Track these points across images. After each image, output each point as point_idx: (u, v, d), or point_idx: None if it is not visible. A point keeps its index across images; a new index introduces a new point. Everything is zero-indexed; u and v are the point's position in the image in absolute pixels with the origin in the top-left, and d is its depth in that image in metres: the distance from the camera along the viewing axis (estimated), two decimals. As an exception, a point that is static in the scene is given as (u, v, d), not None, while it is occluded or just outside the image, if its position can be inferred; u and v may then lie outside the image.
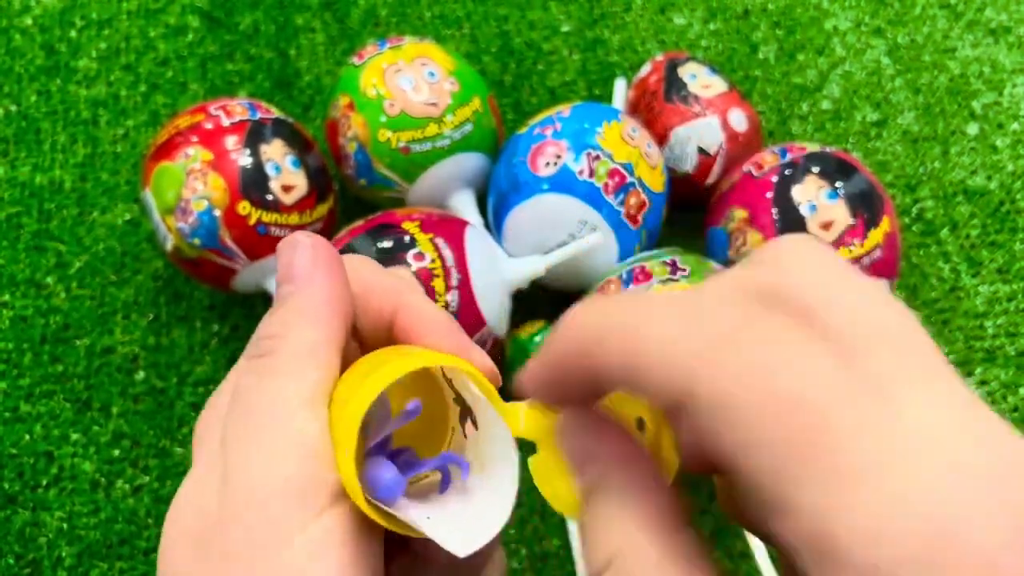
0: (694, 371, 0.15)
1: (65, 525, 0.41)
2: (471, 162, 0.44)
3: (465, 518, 0.19)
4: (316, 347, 0.19)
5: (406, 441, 0.21)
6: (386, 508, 0.18)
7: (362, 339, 0.22)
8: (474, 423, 0.20)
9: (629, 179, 0.41)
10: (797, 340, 0.15)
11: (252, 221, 0.40)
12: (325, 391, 0.19)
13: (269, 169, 0.41)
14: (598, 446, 0.18)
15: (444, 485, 0.20)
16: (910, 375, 0.15)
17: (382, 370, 0.18)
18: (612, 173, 0.40)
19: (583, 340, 0.17)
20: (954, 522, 0.13)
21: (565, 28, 0.55)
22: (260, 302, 0.46)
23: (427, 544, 0.19)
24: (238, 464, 0.18)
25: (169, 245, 0.41)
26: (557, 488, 0.19)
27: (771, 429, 0.14)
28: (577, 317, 0.17)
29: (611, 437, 0.18)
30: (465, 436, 0.20)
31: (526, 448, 0.19)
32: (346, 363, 0.20)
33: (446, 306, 0.37)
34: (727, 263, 0.41)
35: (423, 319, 0.21)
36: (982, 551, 0.12)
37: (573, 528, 0.41)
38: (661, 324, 0.15)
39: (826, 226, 0.39)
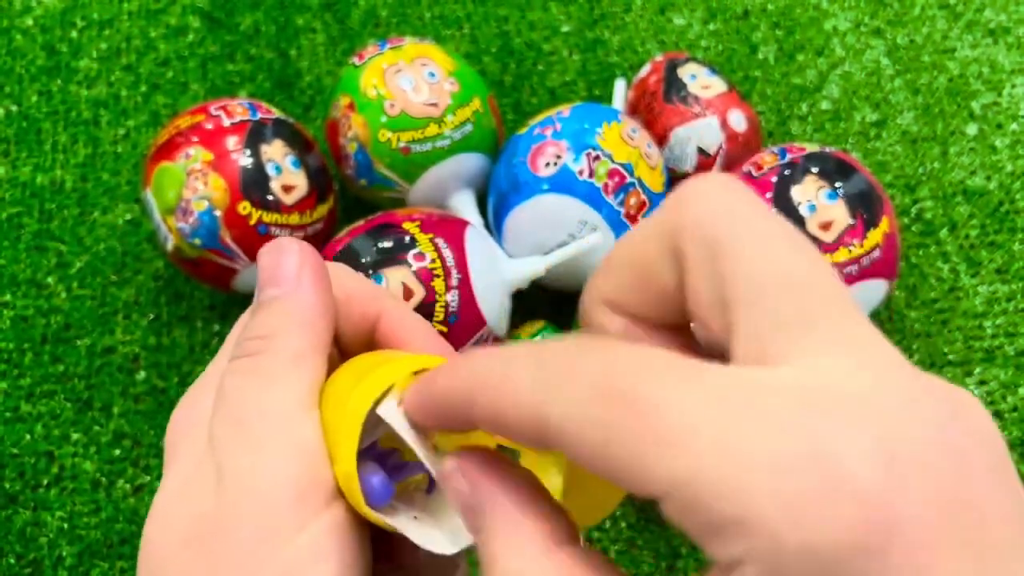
0: (540, 408, 0.15)
1: (66, 525, 0.41)
2: (471, 162, 0.44)
3: (451, 518, 0.19)
4: (307, 352, 0.20)
5: (388, 444, 0.21)
6: (374, 510, 0.18)
7: (342, 345, 0.22)
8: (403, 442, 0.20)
9: (629, 179, 0.41)
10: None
11: (253, 221, 0.40)
12: (316, 395, 0.20)
13: (270, 169, 0.41)
14: (480, 480, 0.18)
15: (431, 486, 0.20)
16: (806, 319, 0.15)
17: (379, 371, 0.19)
18: (612, 173, 0.40)
19: (456, 400, 0.17)
20: (829, 460, 0.13)
21: (565, 28, 0.55)
22: (260, 302, 0.46)
23: (411, 548, 0.19)
24: (235, 465, 0.18)
25: (170, 245, 0.41)
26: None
27: (601, 416, 0.14)
28: (451, 374, 0.17)
29: (493, 469, 0.18)
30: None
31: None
32: (328, 369, 0.20)
33: (446, 306, 0.37)
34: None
35: (405, 325, 0.22)
36: (861, 487, 0.13)
37: None
38: (515, 376, 0.16)
39: (825, 226, 0.39)
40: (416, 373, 0.19)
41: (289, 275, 0.21)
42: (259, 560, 0.17)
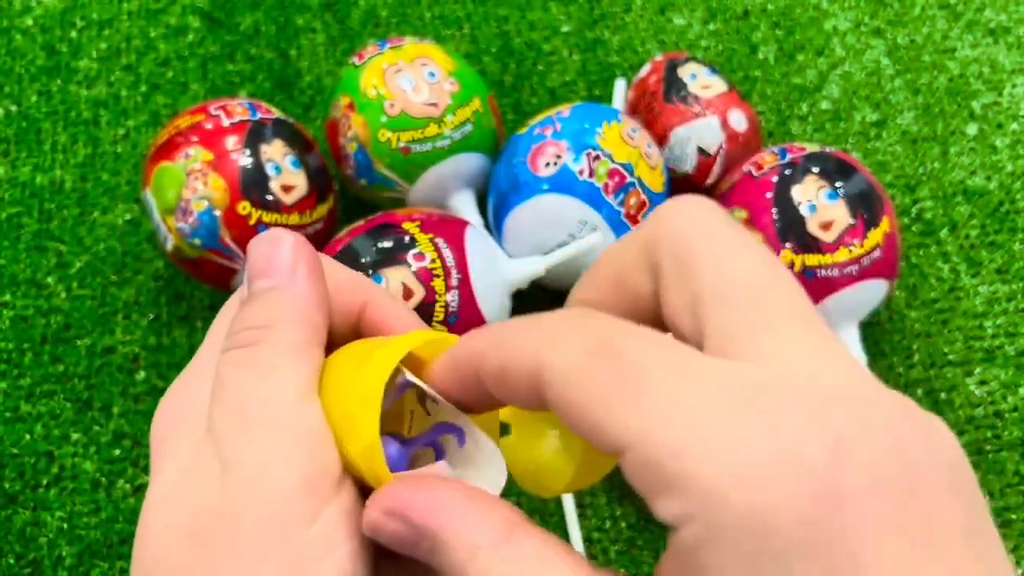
0: (537, 358, 0.17)
1: (66, 525, 0.41)
2: (471, 162, 0.44)
3: (481, 473, 0.20)
4: (304, 344, 0.20)
5: (390, 429, 0.21)
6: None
7: (330, 334, 0.22)
8: (434, 401, 0.20)
9: (629, 179, 0.41)
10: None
11: (252, 221, 0.40)
12: (315, 386, 0.20)
13: (269, 169, 0.41)
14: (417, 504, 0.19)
15: (439, 458, 0.20)
16: (768, 322, 0.16)
17: (391, 345, 0.19)
18: (612, 173, 0.40)
19: (471, 356, 0.19)
20: (781, 437, 0.14)
21: (565, 28, 0.55)
22: (260, 302, 0.46)
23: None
24: (240, 456, 0.18)
25: (169, 245, 0.41)
26: (537, 463, 0.20)
27: (591, 381, 0.16)
28: (470, 338, 0.19)
29: (427, 489, 0.18)
30: (428, 413, 0.21)
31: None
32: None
33: (446, 306, 0.37)
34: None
35: (391, 313, 0.23)
36: (810, 463, 0.14)
37: (569, 506, 0.41)
38: (519, 336, 0.18)
39: (826, 226, 0.39)
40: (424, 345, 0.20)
41: (283, 266, 0.21)
42: (270, 550, 0.17)
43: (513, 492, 0.42)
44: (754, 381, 0.15)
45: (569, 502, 0.41)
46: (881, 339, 0.46)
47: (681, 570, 0.15)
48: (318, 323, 0.21)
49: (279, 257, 0.21)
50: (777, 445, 0.14)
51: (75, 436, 0.43)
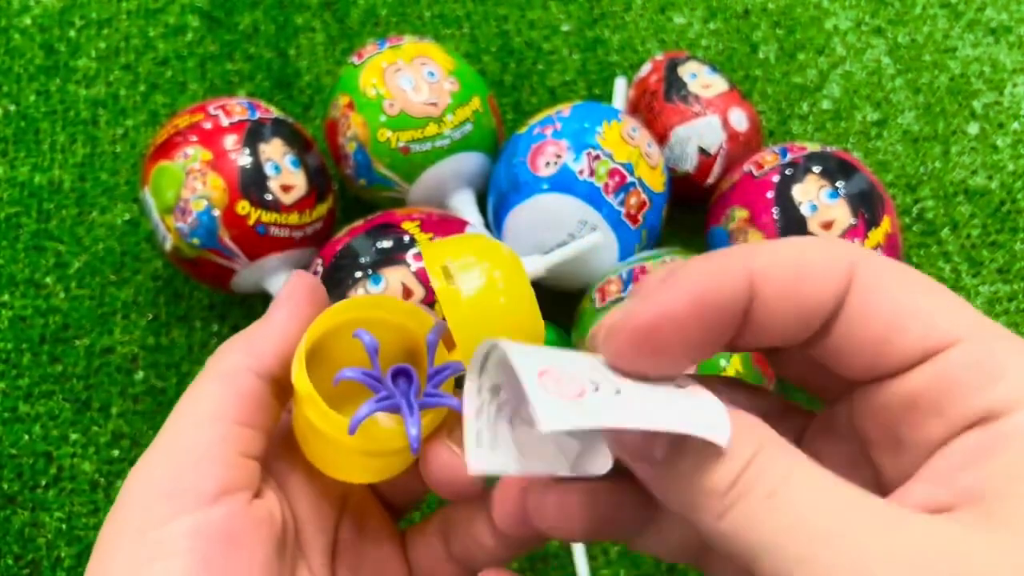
0: (853, 255, 0.16)
1: (64, 525, 0.41)
2: (471, 162, 0.44)
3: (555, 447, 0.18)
4: (235, 370, 0.22)
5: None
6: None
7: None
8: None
9: (629, 179, 0.40)
10: None
11: (251, 221, 0.40)
12: (232, 407, 0.21)
13: (268, 169, 0.40)
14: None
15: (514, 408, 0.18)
16: None
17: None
18: (612, 173, 0.40)
19: (743, 260, 0.16)
20: None
21: (565, 28, 0.55)
22: (260, 302, 0.46)
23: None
24: (139, 462, 0.21)
25: (168, 245, 0.41)
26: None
27: None
28: (699, 263, 0.16)
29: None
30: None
31: None
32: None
33: (446, 306, 0.37)
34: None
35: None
36: None
37: None
38: (796, 243, 0.16)
39: (827, 226, 0.39)
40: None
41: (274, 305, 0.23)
42: (119, 547, 0.19)
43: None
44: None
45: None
46: (882, 339, 0.46)
47: None
48: (262, 351, 0.22)
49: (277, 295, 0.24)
50: None
51: (74, 436, 0.43)
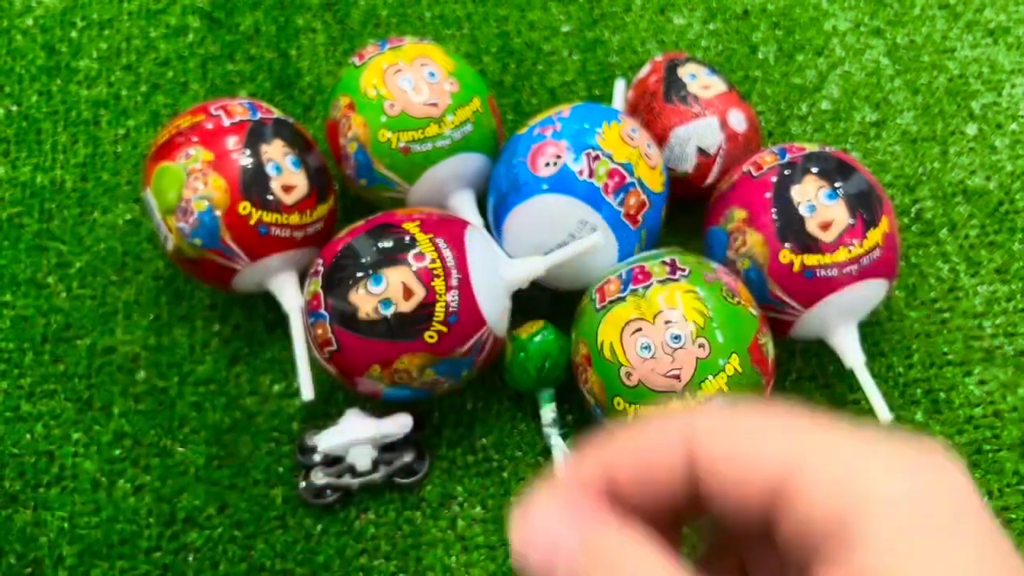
0: (794, 447, 0.15)
1: (66, 524, 0.41)
2: (471, 162, 0.44)
3: None
4: None
5: None
6: None
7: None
8: None
9: (629, 179, 0.41)
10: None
11: (253, 221, 0.40)
12: None
13: (270, 169, 0.41)
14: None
15: None
16: None
17: None
18: (612, 173, 0.40)
19: (681, 430, 0.16)
20: None
21: (565, 28, 0.56)
22: (260, 302, 0.46)
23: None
24: None
25: (170, 245, 0.41)
26: None
27: None
28: (662, 418, 0.17)
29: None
30: None
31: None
32: None
33: (446, 306, 0.37)
34: (726, 263, 0.41)
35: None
36: None
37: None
38: (755, 417, 0.16)
39: (825, 226, 0.39)
40: None
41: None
42: None
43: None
44: None
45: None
46: (880, 339, 0.46)
47: None
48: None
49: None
50: None
51: (76, 436, 0.43)
